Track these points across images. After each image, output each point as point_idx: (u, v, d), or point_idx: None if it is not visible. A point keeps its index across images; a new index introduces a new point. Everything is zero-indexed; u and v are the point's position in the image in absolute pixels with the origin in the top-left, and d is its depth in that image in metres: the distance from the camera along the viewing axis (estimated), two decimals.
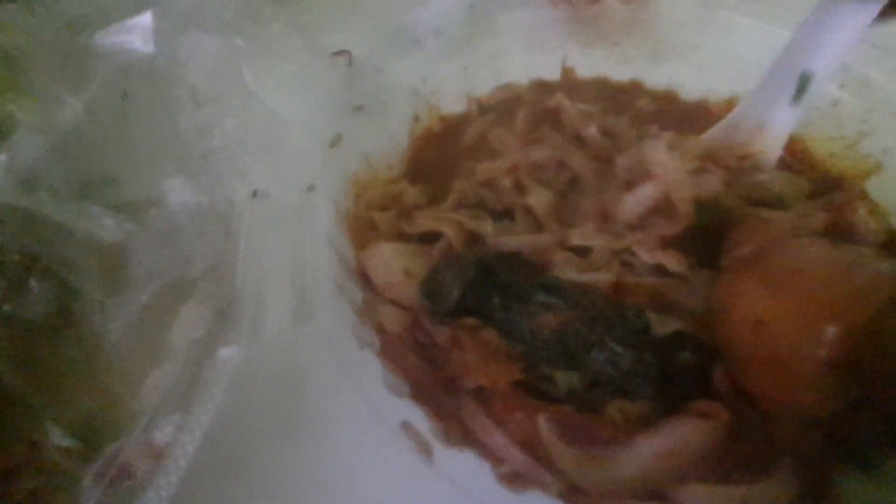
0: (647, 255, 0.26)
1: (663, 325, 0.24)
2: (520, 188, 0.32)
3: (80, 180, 0.22)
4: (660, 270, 0.27)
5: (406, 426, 0.24)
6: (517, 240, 0.30)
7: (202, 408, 0.25)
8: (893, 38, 0.33)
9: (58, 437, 0.26)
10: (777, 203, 0.29)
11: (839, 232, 0.27)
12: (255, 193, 0.30)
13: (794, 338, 0.21)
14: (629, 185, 0.29)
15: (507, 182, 0.33)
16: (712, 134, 0.34)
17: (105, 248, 0.21)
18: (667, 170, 0.28)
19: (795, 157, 0.35)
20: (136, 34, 0.24)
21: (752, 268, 0.23)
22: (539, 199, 0.31)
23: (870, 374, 0.19)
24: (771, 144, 0.33)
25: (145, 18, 0.24)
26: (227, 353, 0.26)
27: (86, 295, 0.22)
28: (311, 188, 0.32)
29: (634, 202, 0.28)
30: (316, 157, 0.33)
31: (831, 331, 0.20)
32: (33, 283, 0.23)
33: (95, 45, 0.24)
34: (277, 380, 0.27)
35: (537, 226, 0.31)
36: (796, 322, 0.21)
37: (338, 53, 0.40)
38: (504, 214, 0.31)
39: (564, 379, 0.24)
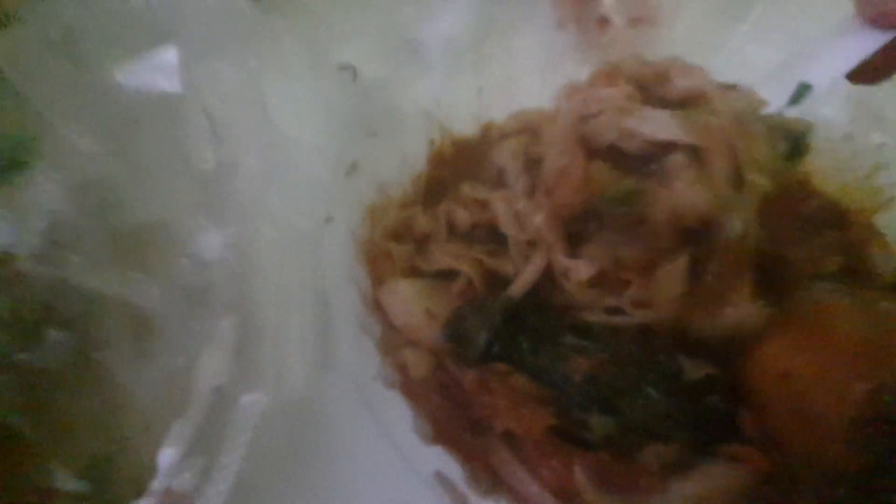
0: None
1: (696, 369, 0.24)
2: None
3: (108, 233, 0.21)
4: None
5: (440, 477, 0.23)
6: (530, 275, 0.29)
7: (226, 456, 0.24)
8: None
9: (69, 482, 0.25)
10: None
11: (853, 271, 0.27)
12: (271, 223, 0.29)
13: (822, 393, 0.21)
14: None
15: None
16: None
17: (137, 310, 0.21)
18: None
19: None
20: (161, 70, 0.23)
21: (772, 311, 0.24)
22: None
23: None
24: None
25: (171, 53, 0.23)
26: (250, 398, 0.25)
27: (115, 353, 0.21)
28: (328, 220, 0.32)
29: None
30: (332, 188, 0.33)
31: (860, 389, 0.20)
32: (50, 332, 0.22)
33: (112, 82, 0.23)
34: (303, 425, 0.27)
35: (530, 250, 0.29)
36: (823, 377, 0.21)
37: (343, 67, 0.39)
38: (492, 239, 0.31)
39: (599, 424, 0.24)
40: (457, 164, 0.38)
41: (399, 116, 0.37)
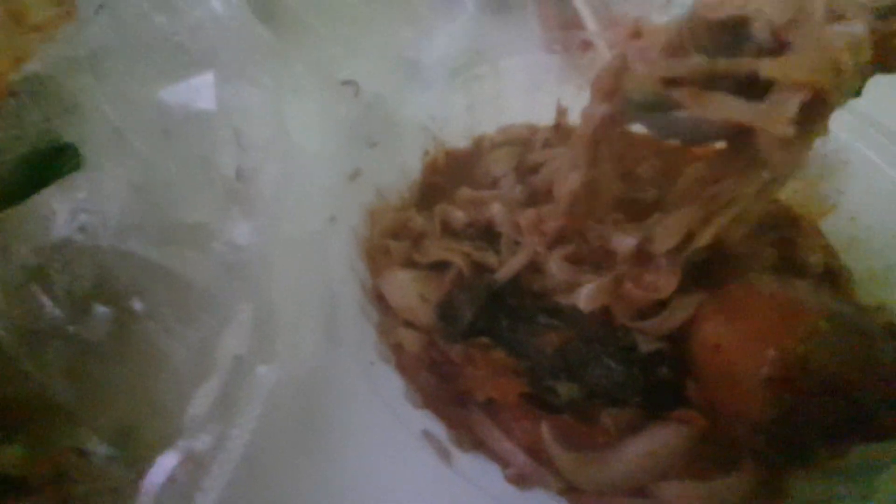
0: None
1: (647, 344, 0.28)
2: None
3: (161, 223, 0.25)
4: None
5: (427, 434, 0.27)
6: (516, 264, 0.33)
7: (243, 419, 0.28)
8: None
9: (98, 446, 0.29)
10: None
11: (787, 265, 0.32)
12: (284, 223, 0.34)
13: (742, 359, 0.26)
14: None
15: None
16: None
17: (181, 282, 0.25)
18: None
19: None
20: (199, 92, 0.28)
21: (713, 297, 0.28)
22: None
23: (801, 387, 0.24)
24: None
25: (208, 77, 0.28)
26: (265, 370, 0.29)
27: (159, 320, 0.25)
28: (332, 219, 0.36)
29: None
30: (336, 191, 0.37)
31: (771, 354, 0.25)
32: (98, 307, 0.26)
33: (156, 99, 0.27)
34: (310, 394, 0.31)
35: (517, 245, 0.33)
36: (744, 346, 0.26)
37: (346, 83, 0.44)
38: (479, 237, 0.34)
39: (565, 390, 0.28)
40: (450, 172, 0.43)
41: (397, 129, 0.42)
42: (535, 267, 0.32)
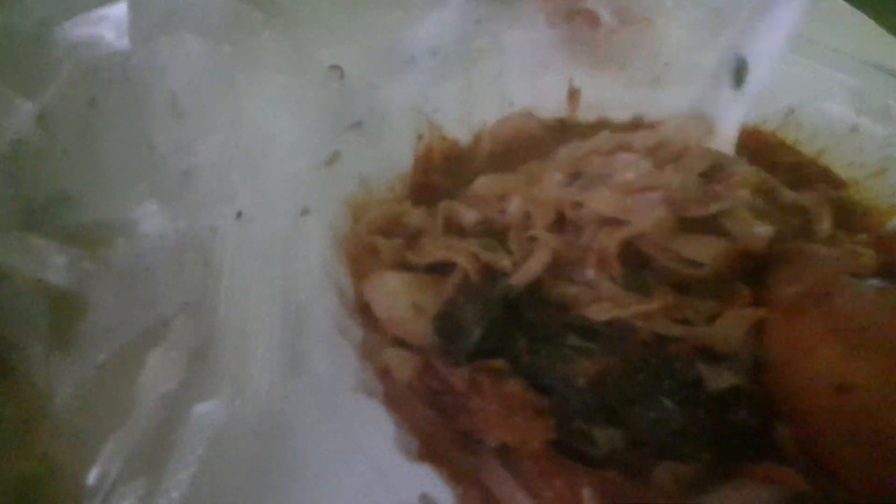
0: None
1: (718, 380, 0.21)
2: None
3: (25, 202, 0.17)
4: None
5: (425, 500, 0.20)
6: (536, 264, 0.26)
7: (174, 476, 0.21)
8: None
9: None
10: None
11: (890, 271, 0.25)
12: (239, 215, 0.26)
13: (891, 411, 0.18)
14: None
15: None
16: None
17: (54, 292, 0.17)
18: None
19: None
20: (108, 27, 0.20)
21: (812, 313, 0.21)
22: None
23: None
24: (724, 137, 0.34)
25: (119, 9, 0.21)
26: (205, 408, 0.22)
27: (27, 348, 0.17)
28: (304, 212, 0.29)
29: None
30: (310, 178, 0.30)
31: None
32: None
33: (57, 39, 0.20)
34: (266, 442, 0.23)
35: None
36: (890, 390, 0.18)
37: (333, 68, 0.38)
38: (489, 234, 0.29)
39: (605, 437, 0.21)
40: (448, 170, 0.36)
41: (384, 108, 0.35)
42: (561, 271, 0.25)
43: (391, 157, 0.35)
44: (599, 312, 0.24)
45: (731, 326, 0.23)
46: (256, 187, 0.28)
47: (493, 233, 0.29)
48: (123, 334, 0.19)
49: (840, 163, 0.34)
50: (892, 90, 0.33)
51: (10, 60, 0.19)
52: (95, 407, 0.19)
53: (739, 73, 0.35)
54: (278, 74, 0.35)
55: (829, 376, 0.19)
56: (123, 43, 0.21)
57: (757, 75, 0.34)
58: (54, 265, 0.16)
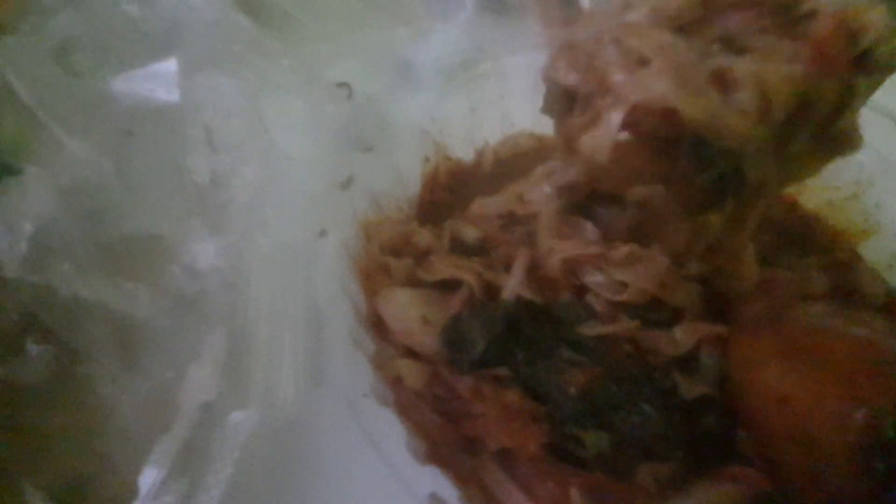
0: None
1: (690, 388, 0.24)
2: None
3: (99, 241, 0.20)
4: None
5: (435, 499, 0.23)
6: (518, 273, 0.29)
7: (213, 477, 0.24)
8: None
9: (38, 503, 0.24)
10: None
11: (843, 293, 0.28)
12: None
13: (820, 418, 0.21)
14: None
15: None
16: None
17: (125, 320, 0.20)
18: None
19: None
20: (160, 82, 0.23)
21: (765, 333, 0.24)
22: None
23: None
24: None
25: (170, 65, 0.23)
26: (239, 417, 0.24)
27: (99, 365, 0.20)
28: (322, 234, 0.31)
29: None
30: (326, 201, 0.32)
31: (860, 415, 0.20)
32: (30, 345, 0.21)
33: (111, 91, 0.23)
34: (294, 444, 0.26)
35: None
36: (821, 402, 0.21)
37: (340, 85, 0.40)
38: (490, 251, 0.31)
39: (593, 440, 0.24)
40: (453, 188, 0.38)
41: (394, 132, 0.38)
42: (549, 284, 0.28)
43: (400, 177, 0.37)
44: (589, 328, 0.27)
45: (683, 334, 0.26)
46: (280, 209, 0.30)
47: (494, 249, 0.32)
48: (177, 354, 0.21)
49: (816, 185, 0.36)
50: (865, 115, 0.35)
51: (72, 111, 0.21)
52: (147, 415, 0.22)
53: None
54: (296, 99, 0.38)
55: (773, 389, 0.22)
56: (174, 96, 0.23)
57: None
58: (126, 298, 0.19)
